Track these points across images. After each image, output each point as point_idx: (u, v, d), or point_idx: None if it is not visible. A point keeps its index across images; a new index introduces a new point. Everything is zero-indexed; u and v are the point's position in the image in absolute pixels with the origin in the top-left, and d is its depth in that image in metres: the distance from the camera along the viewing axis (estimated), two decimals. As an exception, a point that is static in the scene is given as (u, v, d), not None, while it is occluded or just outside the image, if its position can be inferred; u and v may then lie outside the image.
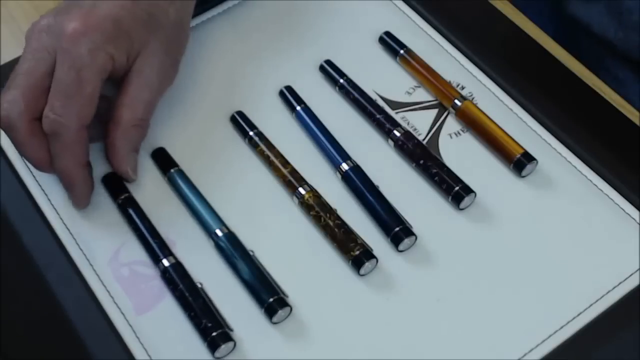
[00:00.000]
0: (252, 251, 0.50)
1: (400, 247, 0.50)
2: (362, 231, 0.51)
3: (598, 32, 0.66)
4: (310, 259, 0.50)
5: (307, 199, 0.52)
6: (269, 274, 0.49)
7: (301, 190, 0.52)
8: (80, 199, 0.52)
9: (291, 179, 0.53)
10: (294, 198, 0.52)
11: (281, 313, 0.47)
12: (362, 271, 0.49)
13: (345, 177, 0.53)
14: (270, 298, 0.48)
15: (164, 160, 0.54)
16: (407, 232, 0.50)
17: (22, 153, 0.52)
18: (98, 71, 0.49)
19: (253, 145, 0.55)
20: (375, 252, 0.49)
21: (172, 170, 0.54)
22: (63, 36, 0.49)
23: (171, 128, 0.56)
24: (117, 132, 0.51)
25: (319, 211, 0.51)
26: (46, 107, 0.49)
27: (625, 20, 0.64)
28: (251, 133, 0.55)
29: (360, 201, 0.52)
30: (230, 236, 0.50)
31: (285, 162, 0.54)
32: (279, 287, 0.48)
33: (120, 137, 0.52)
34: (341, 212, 0.51)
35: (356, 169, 0.53)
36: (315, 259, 0.50)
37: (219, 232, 0.51)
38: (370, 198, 0.51)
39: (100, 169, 0.54)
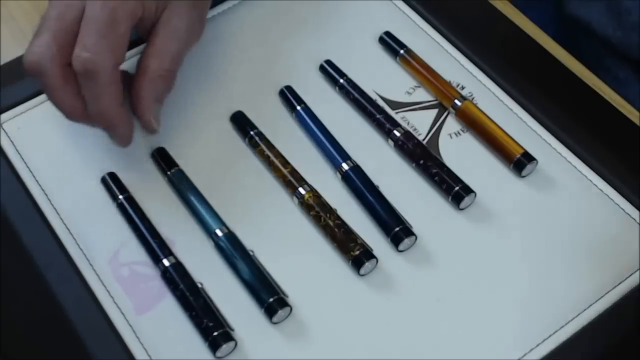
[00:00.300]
0: (252, 251, 0.50)
1: (400, 247, 0.50)
2: (362, 231, 0.51)
3: (597, 31, 0.66)
4: (310, 259, 0.50)
5: (307, 199, 0.52)
6: (268, 274, 0.49)
7: (301, 190, 0.52)
8: (124, 138, 0.51)
9: (291, 179, 0.53)
10: (294, 198, 0.52)
11: (281, 313, 0.47)
12: (362, 271, 0.49)
13: (345, 177, 0.53)
14: (270, 298, 0.48)
15: (164, 160, 0.54)
16: (407, 232, 0.50)
17: (54, 100, 0.50)
18: (130, 13, 0.49)
19: (253, 145, 0.55)
20: (375, 252, 0.49)
21: (172, 170, 0.54)
22: None
23: (171, 128, 0.56)
24: (143, 81, 0.50)
25: (319, 211, 0.51)
26: (76, 47, 0.48)
27: (624, 20, 0.64)
28: (251, 133, 0.55)
29: (360, 201, 0.52)
30: (230, 236, 0.50)
31: (285, 162, 0.54)
32: (279, 287, 0.48)
33: (145, 86, 0.51)
34: (341, 212, 0.51)
35: (356, 169, 0.53)
36: (315, 259, 0.50)
37: (218, 232, 0.51)
38: (370, 198, 0.51)
39: (100, 169, 0.54)
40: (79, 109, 0.49)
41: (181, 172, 0.54)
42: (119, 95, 0.49)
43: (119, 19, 0.48)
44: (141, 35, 0.52)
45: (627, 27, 0.64)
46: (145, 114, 0.51)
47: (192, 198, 0.52)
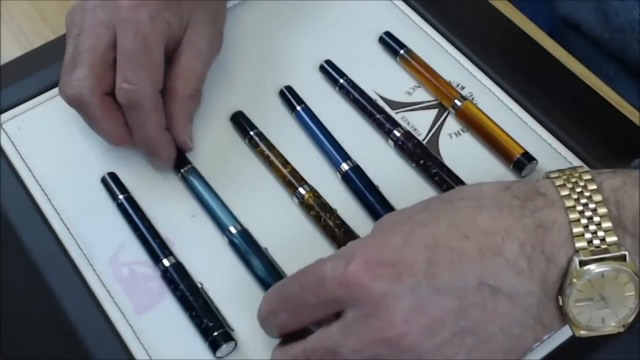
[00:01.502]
0: (265, 248, 0.50)
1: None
2: (362, 231, 0.50)
3: (586, 31, 0.66)
4: (310, 259, 0.50)
5: (307, 199, 0.52)
6: (282, 270, 0.49)
7: (301, 190, 0.52)
8: (167, 162, 0.53)
9: (291, 179, 0.53)
10: (294, 198, 0.52)
11: None
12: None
13: (345, 177, 0.53)
14: None
15: (178, 157, 0.54)
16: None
17: (98, 130, 0.52)
18: (161, 37, 0.50)
19: (253, 145, 0.55)
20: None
21: (185, 168, 0.54)
22: (120, 9, 0.49)
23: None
24: (174, 104, 0.52)
25: (319, 211, 0.51)
26: (118, 79, 0.49)
27: (611, 21, 0.64)
28: (251, 133, 0.55)
29: (360, 201, 0.52)
30: (244, 233, 0.51)
31: (285, 162, 0.54)
32: None
33: (178, 108, 0.52)
34: (341, 212, 0.51)
35: (356, 169, 0.53)
36: (315, 259, 0.50)
37: (232, 229, 0.51)
38: (370, 198, 0.51)
39: (100, 169, 0.54)
40: (122, 135, 0.51)
41: (194, 170, 0.54)
42: (162, 122, 0.51)
43: (152, 46, 0.49)
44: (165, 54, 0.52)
45: (614, 29, 0.64)
46: (180, 136, 0.53)
47: (206, 195, 0.52)
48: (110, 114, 0.51)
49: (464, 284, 0.39)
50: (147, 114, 0.50)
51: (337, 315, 0.40)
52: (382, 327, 0.38)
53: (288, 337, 0.43)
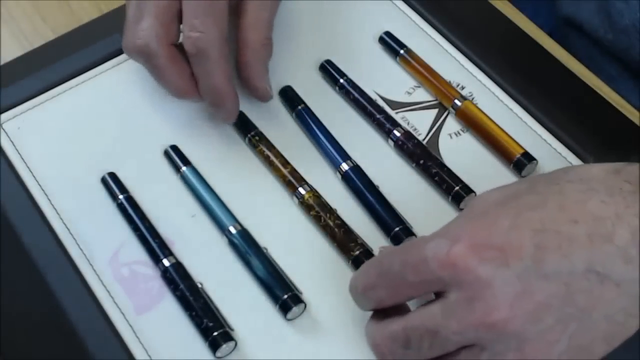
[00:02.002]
0: (265, 248, 0.50)
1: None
2: (362, 231, 0.50)
3: (589, 31, 0.66)
4: (310, 259, 0.50)
5: (307, 199, 0.52)
6: (282, 271, 0.49)
7: (301, 190, 0.52)
8: (232, 113, 0.53)
9: (291, 179, 0.53)
10: (294, 198, 0.52)
11: (295, 310, 0.47)
12: (362, 271, 0.49)
13: (345, 177, 0.53)
14: (284, 295, 0.48)
15: (178, 157, 0.54)
16: (407, 232, 0.50)
17: (164, 80, 0.52)
18: None
19: (253, 145, 0.55)
20: (375, 252, 0.49)
21: (185, 168, 0.54)
22: None
23: (171, 128, 0.56)
24: (249, 54, 0.52)
25: (319, 211, 0.51)
26: (185, 28, 0.49)
27: (615, 23, 0.64)
28: (251, 133, 0.55)
29: (360, 201, 0.52)
30: (244, 233, 0.51)
31: (285, 162, 0.54)
32: (293, 284, 0.49)
33: (253, 57, 0.52)
34: (341, 212, 0.51)
35: (356, 169, 0.53)
36: (315, 259, 0.50)
37: (232, 229, 0.51)
38: (370, 198, 0.51)
39: (100, 169, 0.54)
40: (189, 87, 0.51)
41: (194, 170, 0.54)
42: (230, 70, 0.51)
43: None
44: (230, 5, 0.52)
45: (617, 30, 0.64)
46: (260, 83, 0.53)
47: (206, 195, 0.52)
48: (177, 64, 0.51)
49: (572, 270, 0.38)
50: (215, 61, 0.50)
51: (438, 293, 0.40)
52: (487, 311, 0.38)
53: (380, 312, 0.43)
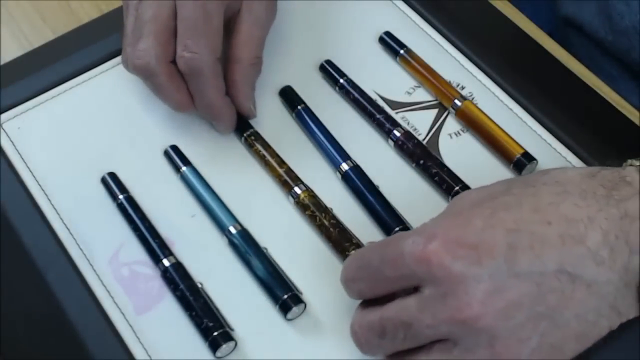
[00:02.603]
0: (265, 248, 0.50)
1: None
2: (362, 231, 0.50)
3: (589, 32, 0.66)
4: (310, 259, 0.50)
5: (303, 199, 0.52)
6: (282, 271, 0.49)
7: (297, 189, 0.52)
8: (228, 126, 0.54)
9: (287, 179, 0.53)
10: (290, 197, 0.52)
11: (295, 310, 0.47)
12: (361, 271, 0.49)
13: (346, 177, 0.53)
14: (284, 295, 0.48)
15: (178, 156, 0.54)
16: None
17: (164, 97, 0.53)
18: (219, 5, 0.51)
19: (249, 145, 0.55)
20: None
21: (185, 168, 0.54)
22: None
23: (169, 128, 0.56)
24: (238, 72, 0.53)
25: (314, 211, 0.51)
26: (178, 48, 0.51)
27: (615, 24, 0.64)
28: (247, 133, 0.55)
29: (360, 201, 0.52)
30: (244, 233, 0.51)
31: (281, 162, 0.54)
32: (293, 284, 0.49)
33: (241, 75, 0.53)
34: (341, 212, 0.51)
35: (356, 168, 0.53)
36: (315, 259, 0.50)
37: (232, 229, 0.51)
38: (370, 198, 0.51)
39: (100, 169, 0.54)
40: (186, 102, 0.53)
41: (194, 170, 0.54)
42: (222, 87, 0.53)
43: (212, 14, 0.51)
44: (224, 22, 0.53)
45: (617, 32, 0.64)
46: (244, 103, 0.54)
47: (206, 195, 0.52)
48: (175, 81, 0.52)
49: (543, 270, 0.39)
50: (207, 80, 0.51)
51: (416, 289, 0.41)
52: (459, 307, 0.39)
53: (366, 302, 0.44)
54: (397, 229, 0.50)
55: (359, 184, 0.52)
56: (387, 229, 0.50)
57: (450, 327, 0.40)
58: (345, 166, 0.53)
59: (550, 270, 0.39)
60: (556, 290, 0.39)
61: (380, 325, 0.42)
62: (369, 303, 0.44)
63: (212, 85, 0.52)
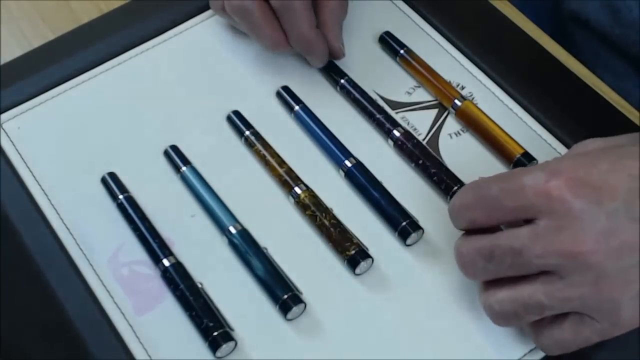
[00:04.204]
0: (265, 248, 0.50)
1: (408, 241, 0.50)
2: (362, 231, 0.50)
3: (595, 27, 0.66)
4: (310, 259, 0.50)
5: (303, 199, 0.52)
6: (282, 270, 0.49)
7: (297, 189, 0.52)
8: (320, 58, 0.57)
9: (287, 179, 0.53)
10: (290, 197, 0.52)
11: (295, 310, 0.47)
12: (357, 270, 0.49)
13: (349, 174, 0.53)
14: (285, 295, 0.48)
15: (178, 157, 0.54)
16: (415, 226, 0.50)
17: (260, 34, 0.56)
18: None
19: (249, 144, 0.55)
20: (380, 249, 0.50)
21: (185, 167, 0.54)
22: None
23: (171, 128, 0.56)
24: (326, 12, 0.56)
25: (314, 211, 0.51)
26: None
27: (623, 17, 0.64)
28: (247, 133, 0.55)
29: (365, 197, 0.52)
30: (244, 233, 0.51)
31: (282, 162, 0.54)
32: (293, 284, 0.49)
33: (329, 16, 0.56)
34: (344, 210, 0.51)
35: (360, 165, 0.53)
36: (315, 259, 0.50)
37: (232, 229, 0.51)
38: (376, 194, 0.51)
39: (100, 169, 0.54)
40: (281, 39, 0.55)
41: (194, 169, 0.54)
42: (313, 20, 0.55)
43: None
44: None
45: (625, 25, 0.64)
46: (334, 41, 0.57)
47: (205, 195, 0.52)
48: (269, 19, 0.55)
49: None
50: (300, 14, 0.54)
51: (527, 222, 0.42)
52: (573, 241, 0.40)
53: (471, 232, 0.45)
54: (404, 223, 0.50)
55: (364, 180, 0.52)
56: (393, 224, 0.50)
57: (559, 260, 0.41)
58: (348, 163, 0.53)
59: None
60: None
61: (490, 250, 0.43)
62: (473, 232, 0.45)
63: (304, 18, 0.54)
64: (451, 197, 0.51)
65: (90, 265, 0.51)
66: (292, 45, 0.56)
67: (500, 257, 0.42)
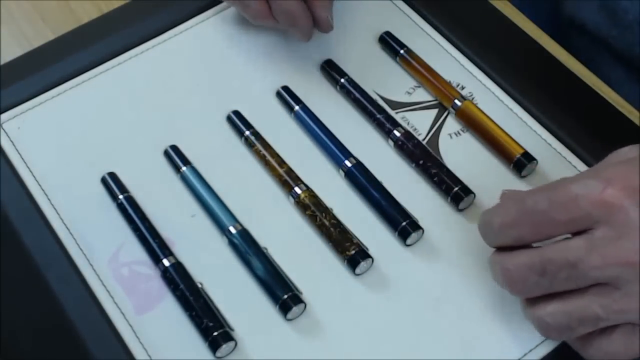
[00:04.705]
0: (265, 248, 0.50)
1: (408, 241, 0.50)
2: (362, 230, 0.50)
3: (592, 30, 0.66)
4: (310, 259, 0.50)
5: (303, 199, 0.52)
6: (282, 271, 0.49)
7: (297, 189, 0.52)
8: (305, 31, 0.56)
9: (287, 179, 0.53)
10: (290, 197, 0.52)
11: (295, 310, 0.47)
12: (357, 270, 0.49)
13: (349, 174, 0.53)
14: (285, 295, 0.48)
15: (178, 157, 0.54)
16: (415, 226, 0.50)
17: (243, 7, 0.56)
18: None
19: (249, 145, 0.55)
20: (381, 249, 0.50)
21: (185, 167, 0.54)
22: None
23: (171, 128, 0.56)
24: None
25: (314, 211, 0.51)
26: None
27: (620, 19, 0.64)
28: (247, 133, 0.55)
29: (366, 197, 0.52)
30: (244, 233, 0.51)
31: (282, 162, 0.54)
32: (293, 284, 0.49)
33: None
34: (344, 210, 0.51)
35: (360, 165, 0.53)
36: (315, 259, 0.50)
37: (232, 229, 0.51)
38: (376, 194, 0.51)
39: (100, 169, 0.54)
40: (264, 11, 0.55)
41: (194, 169, 0.54)
42: None
43: None
44: None
45: (624, 26, 0.64)
46: (322, 13, 0.55)
47: (206, 195, 0.52)
48: None
49: None
50: None
51: (576, 233, 0.41)
52: (634, 250, 0.39)
53: (507, 247, 0.43)
54: (404, 223, 0.50)
55: (364, 180, 0.52)
56: (393, 224, 0.50)
57: (617, 270, 0.39)
58: (348, 163, 0.53)
59: None
60: None
61: (542, 265, 0.41)
62: (511, 248, 0.43)
63: None
64: (452, 199, 0.51)
65: (90, 265, 0.51)
66: (276, 19, 0.55)
67: (554, 272, 0.41)
